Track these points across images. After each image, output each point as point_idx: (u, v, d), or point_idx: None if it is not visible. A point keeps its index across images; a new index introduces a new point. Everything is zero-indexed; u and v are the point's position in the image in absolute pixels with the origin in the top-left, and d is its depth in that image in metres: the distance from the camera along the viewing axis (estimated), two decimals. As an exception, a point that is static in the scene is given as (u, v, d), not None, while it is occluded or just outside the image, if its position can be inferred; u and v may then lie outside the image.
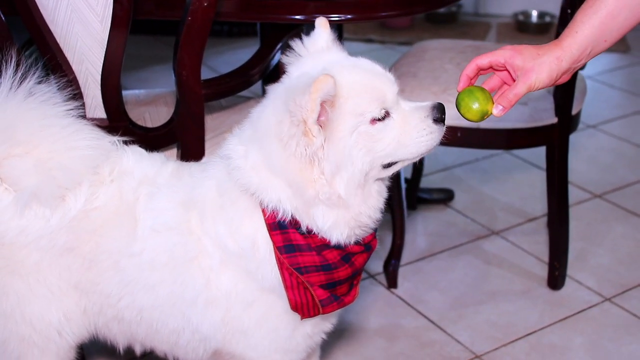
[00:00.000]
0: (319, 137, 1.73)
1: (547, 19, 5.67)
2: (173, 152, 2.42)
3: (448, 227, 3.48)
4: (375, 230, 1.95)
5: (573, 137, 3.07)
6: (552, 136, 2.90)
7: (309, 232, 1.84)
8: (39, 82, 1.94)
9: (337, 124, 1.75)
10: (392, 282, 3.07)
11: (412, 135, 1.83)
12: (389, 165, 1.85)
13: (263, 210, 1.84)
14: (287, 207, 1.81)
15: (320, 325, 2.04)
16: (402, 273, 3.13)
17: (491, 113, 1.86)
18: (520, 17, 5.72)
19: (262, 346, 1.98)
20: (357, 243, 1.90)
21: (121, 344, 2.08)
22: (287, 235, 1.84)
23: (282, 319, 1.95)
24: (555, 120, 2.87)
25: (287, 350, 2.02)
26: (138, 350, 2.10)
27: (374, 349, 2.77)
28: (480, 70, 1.91)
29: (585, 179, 3.83)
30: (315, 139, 1.72)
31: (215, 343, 1.99)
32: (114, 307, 1.98)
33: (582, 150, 4.11)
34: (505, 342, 2.80)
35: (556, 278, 3.05)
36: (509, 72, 1.88)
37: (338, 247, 1.87)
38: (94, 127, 2.00)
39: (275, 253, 1.85)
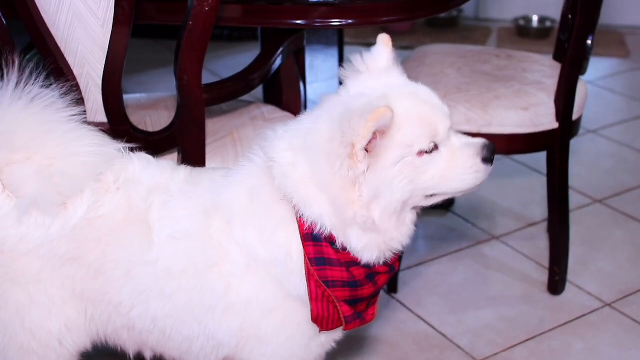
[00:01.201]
0: (363, 163, 1.73)
1: (548, 24, 5.68)
2: (174, 156, 2.42)
3: (448, 231, 3.48)
4: (402, 253, 1.95)
5: (574, 142, 3.07)
6: (552, 141, 2.90)
7: (343, 249, 1.85)
8: (42, 87, 1.92)
9: (384, 152, 1.75)
10: (392, 287, 3.07)
11: (457, 172, 1.84)
12: (430, 195, 1.86)
13: (299, 220, 1.84)
14: (327, 223, 1.82)
15: (333, 334, 2.03)
16: (402, 278, 3.13)
17: None
18: (521, 22, 5.73)
19: (277, 354, 1.97)
20: (384, 263, 1.90)
21: (131, 351, 2.06)
22: (320, 248, 1.84)
23: (301, 327, 1.94)
24: (556, 125, 2.87)
25: (300, 359, 2.01)
26: (148, 356, 2.08)
27: (374, 354, 2.77)
28: None
29: (585, 184, 3.83)
30: (359, 164, 1.73)
31: (228, 350, 1.98)
32: (125, 317, 1.96)
33: (582, 155, 4.11)
34: (505, 347, 2.80)
35: (556, 283, 3.05)
36: None
37: (366, 265, 1.87)
38: (99, 133, 1.97)
39: (306, 263, 1.85)
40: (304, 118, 1.90)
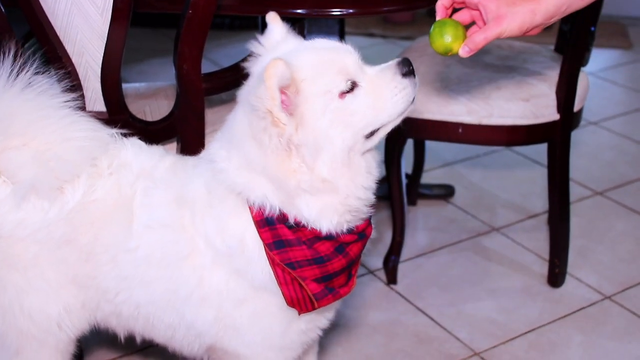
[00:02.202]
0: (289, 124, 1.71)
1: (550, 14, 5.65)
2: (173, 145, 2.41)
3: (448, 223, 3.47)
4: (370, 217, 1.92)
5: (574, 134, 3.06)
6: (553, 133, 2.88)
7: (298, 225, 1.82)
8: (37, 74, 1.93)
9: (306, 107, 1.73)
10: (391, 278, 3.06)
11: (385, 97, 1.81)
12: (371, 134, 1.82)
13: (250, 208, 1.83)
14: (274, 201, 1.80)
15: (315, 321, 2.02)
16: (402, 269, 3.12)
17: (456, 52, 1.84)
18: (523, 13, 5.70)
19: (255, 343, 1.97)
20: (349, 232, 1.87)
21: (122, 334, 2.08)
22: (276, 232, 1.82)
23: (276, 316, 1.93)
24: (557, 117, 2.86)
25: (282, 348, 2.01)
26: (138, 340, 2.09)
27: (373, 345, 2.76)
28: (455, 2, 1.89)
29: (586, 176, 3.82)
30: (285, 126, 1.71)
31: (209, 339, 1.99)
32: (112, 302, 1.98)
33: (583, 147, 4.10)
34: (505, 339, 2.80)
35: (556, 275, 3.05)
36: (480, 12, 1.85)
37: (330, 238, 1.84)
38: (92, 118, 1.99)
39: (266, 250, 1.84)
40: (227, 118, 1.92)
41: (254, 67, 1.90)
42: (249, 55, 1.93)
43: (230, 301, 1.91)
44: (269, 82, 1.66)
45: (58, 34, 2.23)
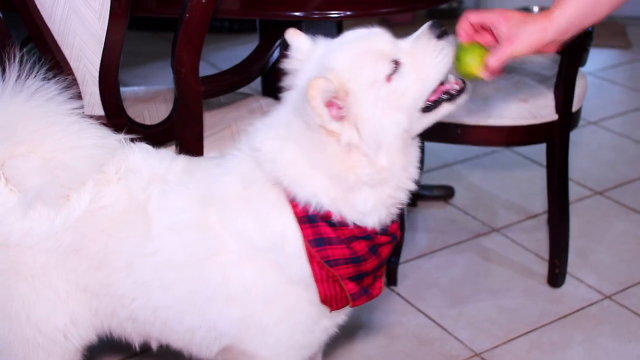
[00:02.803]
0: (344, 131, 1.74)
1: (549, 15, 5.65)
2: (172, 149, 2.42)
3: (448, 224, 3.47)
4: (398, 220, 1.96)
5: (574, 134, 3.06)
6: (552, 133, 2.89)
7: (340, 224, 1.84)
8: (42, 81, 1.92)
9: (358, 105, 1.76)
10: (391, 280, 3.06)
11: (428, 65, 1.83)
12: (427, 109, 1.85)
13: (293, 204, 1.84)
14: (323, 199, 1.82)
15: (336, 318, 2.04)
16: (402, 270, 3.12)
17: (478, 75, 1.88)
18: (522, 13, 5.71)
19: (278, 343, 1.97)
20: (384, 233, 1.90)
21: (137, 342, 2.07)
22: (318, 229, 1.84)
23: (305, 312, 1.95)
24: (555, 117, 2.86)
25: (303, 346, 2.02)
26: (154, 346, 2.08)
27: (374, 347, 2.76)
28: (473, 26, 1.92)
29: (585, 176, 3.82)
30: (342, 134, 1.74)
31: (229, 339, 1.98)
32: (128, 308, 1.96)
33: (582, 146, 4.10)
34: (505, 339, 2.80)
35: (556, 275, 3.05)
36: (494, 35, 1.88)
37: (366, 238, 1.87)
38: (99, 125, 1.98)
39: (306, 246, 1.85)
40: (279, 110, 1.91)
41: (297, 79, 1.90)
42: (284, 73, 1.95)
43: (259, 299, 1.91)
44: (313, 103, 1.69)
45: (56, 38, 2.23)
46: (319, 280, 1.88)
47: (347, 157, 1.77)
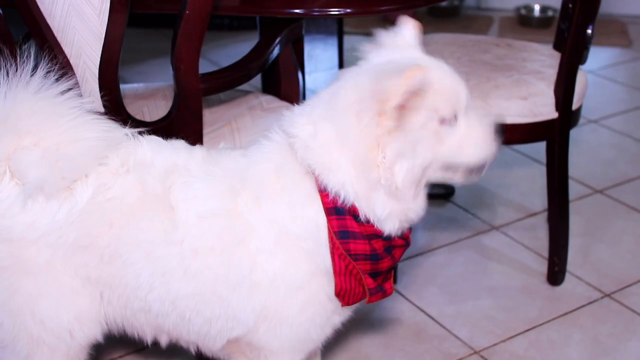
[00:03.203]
0: (392, 121, 1.77)
1: (550, 13, 5.66)
2: (171, 146, 2.41)
3: (448, 222, 3.48)
4: (410, 228, 2.00)
5: (574, 132, 3.06)
6: (552, 131, 2.88)
7: (366, 221, 1.88)
8: (47, 76, 1.92)
9: (412, 115, 1.78)
10: (391, 277, 3.06)
11: (472, 143, 1.90)
12: (445, 169, 1.91)
13: (322, 194, 1.87)
14: (350, 191, 1.85)
15: (343, 315, 2.08)
16: (401, 268, 3.12)
17: None
18: (523, 11, 5.71)
19: (293, 336, 1.99)
20: (400, 237, 1.95)
21: (149, 336, 2.06)
22: (344, 222, 1.87)
23: (323, 306, 1.97)
24: (555, 115, 2.86)
25: (312, 340, 2.04)
26: (164, 342, 2.08)
27: (372, 344, 2.76)
28: None
29: (585, 174, 3.82)
30: (388, 121, 1.76)
31: (243, 330, 1.98)
32: (142, 300, 1.95)
33: (583, 145, 4.10)
34: (504, 337, 2.80)
35: (556, 274, 3.05)
36: None
37: (386, 238, 1.91)
38: (105, 119, 1.98)
39: (330, 237, 1.88)
40: (323, 92, 1.94)
41: (372, 54, 1.95)
42: (371, 39, 1.99)
43: (283, 288, 1.92)
44: (404, 81, 1.73)
45: (55, 35, 2.23)
46: (337, 272, 1.91)
47: (375, 149, 1.80)
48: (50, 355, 1.99)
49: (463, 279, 3.11)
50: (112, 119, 2.18)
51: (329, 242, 1.89)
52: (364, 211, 1.87)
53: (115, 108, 2.30)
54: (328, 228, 1.88)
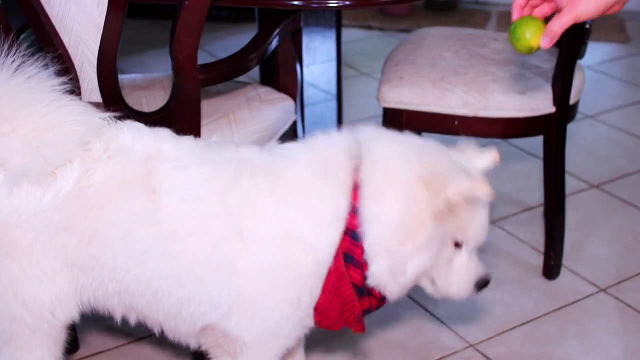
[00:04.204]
0: (442, 221, 1.88)
1: (548, 8, 5.65)
2: (169, 136, 2.41)
3: (444, 215, 3.47)
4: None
5: (571, 127, 3.06)
6: (549, 126, 2.89)
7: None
8: (25, 58, 1.92)
9: (451, 218, 1.90)
10: (387, 270, 3.06)
11: (461, 276, 2.00)
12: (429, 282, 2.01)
13: (351, 214, 1.90)
14: (371, 233, 1.89)
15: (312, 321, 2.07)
16: (398, 261, 3.12)
17: (538, 47, 1.86)
18: (521, 6, 5.70)
19: (266, 330, 1.99)
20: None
21: (118, 315, 2.06)
22: (355, 248, 1.90)
23: (301, 308, 1.97)
24: (553, 109, 2.86)
25: (284, 337, 2.03)
26: (133, 320, 2.08)
27: (368, 337, 2.77)
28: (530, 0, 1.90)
29: (582, 169, 3.83)
30: (428, 225, 1.87)
31: (216, 316, 1.97)
32: (120, 281, 1.96)
33: (579, 140, 4.11)
34: (500, 331, 2.80)
35: (551, 268, 3.05)
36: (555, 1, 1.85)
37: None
38: (81, 102, 1.99)
39: (338, 253, 1.90)
40: (406, 140, 2.01)
41: (457, 154, 2.05)
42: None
43: (267, 282, 1.92)
44: (457, 196, 1.85)
45: (54, 24, 2.23)
46: (326, 289, 1.93)
47: (420, 227, 1.86)
48: (32, 336, 2.01)
49: (459, 272, 3.11)
50: (110, 110, 2.19)
51: (334, 258, 1.90)
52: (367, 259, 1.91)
53: (113, 98, 2.30)
54: (339, 246, 1.90)
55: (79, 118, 1.93)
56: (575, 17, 1.79)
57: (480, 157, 2.08)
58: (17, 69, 1.91)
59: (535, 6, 1.91)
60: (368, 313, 2.04)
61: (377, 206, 1.88)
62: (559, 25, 1.81)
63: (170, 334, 2.07)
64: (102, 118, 1.99)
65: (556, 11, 1.89)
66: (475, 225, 1.94)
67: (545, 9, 1.91)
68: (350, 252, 1.90)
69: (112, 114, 2.01)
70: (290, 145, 2.04)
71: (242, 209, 1.90)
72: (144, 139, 1.99)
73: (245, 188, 1.92)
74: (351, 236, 1.89)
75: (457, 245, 1.95)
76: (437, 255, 1.91)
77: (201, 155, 1.97)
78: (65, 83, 1.96)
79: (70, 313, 2.03)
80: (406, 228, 1.86)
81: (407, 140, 2.00)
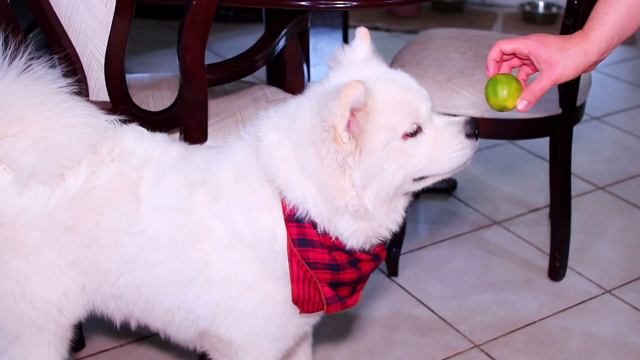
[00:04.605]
0: (348, 144, 1.72)
1: (554, 9, 5.66)
2: (175, 136, 2.42)
3: (450, 216, 3.48)
4: (385, 242, 1.95)
5: (577, 129, 3.07)
6: (556, 127, 2.89)
7: (324, 233, 1.85)
8: (33, 59, 1.93)
9: (370, 136, 1.74)
10: (392, 270, 3.07)
11: (444, 151, 1.84)
12: (420, 178, 1.86)
13: (282, 202, 1.84)
14: (311, 209, 1.82)
15: (310, 318, 2.05)
16: (403, 261, 3.13)
17: (512, 108, 1.86)
18: (527, 8, 5.71)
19: (253, 332, 1.98)
20: (365, 252, 1.90)
21: (118, 320, 2.09)
22: (303, 230, 1.84)
23: (279, 306, 1.95)
24: (559, 111, 2.86)
25: (276, 338, 2.02)
26: (133, 326, 2.10)
27: (373, 337, 2.77)
28: (504, 56, 1.90)
29: (588, 171, 3.83)
30: (345, 145, 1.72)
31: (205, 323, 1.99)
32: (113, 285, 1.99)
33: (585, 141, 4.10)
34: (505, 332, 2.81)
35: (557, 269, 3.06)
36: (532, 62, 1.86)
37: (347, 251, 1.88)
38: (89, 104, 2.00)
39: (289, 244, 1.85)
40: (292, 101, 1.91)
41: (333, 74, 1.91)
42: (329, 56, 1.96)
43: (237, 286, 1.92)
44: (343, 101, 1.68)
45: (62, 23, 2.23)
46: (294, 279, 1.89)
47: (341, 178, 1.76)
48: (39, 335, 2.03)
49: (464, 273, 3.12)
50: (117, 109, 2.20)
51: (287, 249, 1.86)
52: (325, 227, 1.84)
53: (120, 97, 2.31)
54: (287, 235, 1.85)
55: (87, 120, 1.95)
56: (555, 81, 1.83)
57: (355, 50, 1.94)
58: (25, 69, 1.91)
59: (511, 65, 1.93)
60: (363, 280, 1.97)
61: (296, 185, 1.81)
62: (539, 89, 1.84)
63: (171, 338, 2.10)
64: (108, 120, 2.00)
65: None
66: (398, 111, 1.78)
67: (515, 61, 1.93)
68: (302, 236, 1.84)
69: (118, 117, 2.02)
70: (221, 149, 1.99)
71: (199, 218, 1.91)
72: (143, 144, 2.00)
73: (196, 197, 1.92)
74: (295, 220, 1.83)
75: (413, 134, 1.79)
76: (395, 167, 1.78)
77: (181, 162, 1.98)
78: (73, 83, 1.98)
79: (77, 311, 2.05)
80: (334, 186, 1.77)
81: (275, 114, 1.89)
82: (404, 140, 1.78)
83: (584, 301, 2.96)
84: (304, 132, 1.78)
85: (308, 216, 1.83)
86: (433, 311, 2.90)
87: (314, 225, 1.84)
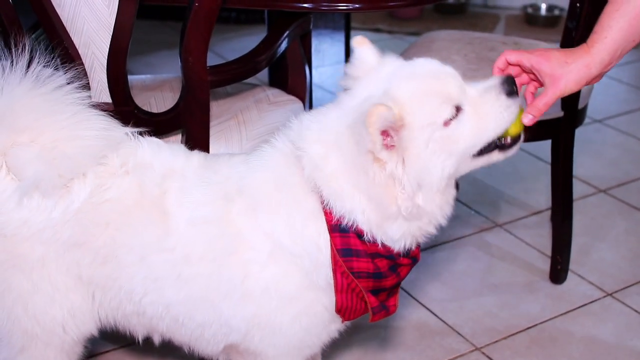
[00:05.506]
0: (390, 160, 1.73)
1: (556, 12, 5.66)
2: (177, 138, 2.42)
3: (452, 218, 3.42)
4: (419, 245, 1.95)
5: (579, 132, 3.06)
6: (557, 130, 2.89)
7: (371, 241, 1.84)
8: (48, 68, 1.91)
9: (410, 140, 1.74)
10: (394, 273, 3.06)
11: (490, 119, 1.83)
12: (478, 154, 1.86)
13: (326, 212, 1.83)
14: (359, 218, 1.81)
15: (341, 324, 2.04)
16: (405, 264, 3.12)
17: (513, 134, 1.88)
18: (529, 10, 5.71)
19: (288, 343, 1.97)
20: (406, 255, 1.90)
21: (140, 335, 2.05)
22: (347, 240, 1.84)
23: (319, 316, 1.94)
24: (561, 114, 2.86)
25: (308, 347, 2.02)
26: (157, 340, 2.07)
27: (374, 339, 2.77)
28: (509, 65, 1.92)
29: (590, 174, 3.83)
30: (387, 164, 1.73)
31: (238, 336, 1.96)
32: (136, 303, 1.94)
33: (587, 144, 4.10)
34: (506, 334, 2.81)
35: (558, 272, 3.05)
36: (535, 75, 1.88)
37: (390, 257, 1.88)
38: (105, 116, 1.95)
39: (333, 254, 1.85)
40: (329, 113, 1.88)
41: (355, 89, 1.87)
42: (343, 76, 1.92)
43: (276, 299, 1.89)
44: (370, 129, 1.68)
45: (64, 24, 2.23)
46: (338, 290, 1.88)
47: (392, 186, 1.76)
48: (44, 349, 2.00)
49: (466, 275, 3.11)
50: (119, 110, 2.19)
51: (332, 260, 1.85)
52: (373, 234, 1.83)
53: (122, 99, 2.31)
54: (331, 245, 1.84)
55: (99, 133, 1.91)
56: (559, 95, 1.85)
57: (362, 59, 1.90)
58: (40, 79, 1.88)
59: (521, 82, 1.95)
60: (399, 284, 1.98)
61: (346, 197, 1.80)
62: (543, 103, 1.86)
63: (197, 352, 2.07)
64: (124, 133, 1.96)
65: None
66: (430, 103, 1.76)
67: (524, 80, 1.95)
68: (346, 246, 1.84)
69: (133, 129, 1.98)
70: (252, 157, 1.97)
71: (237, 229, 1.88)
72: (162, 156, 1.96)
73: (232, 208, 1.89)
74: (339, 230, 1.83)
75: (453, 117, 1.78)
76: (444, 157, 1.77)
77: (207, 174, 1.95)
78: (77, 84, 1.95)
79: (84, 328, 2.01)
80: (385, 196, 1.77)
81: (314, 125, 1.87)
82: (446, 127, 1.77)
83: (585, 304, 2.96)
84: (348, 155, 1.78)
85: (354, 225, 1.82)
86: (434, 314, 2.90)
87: (358, 234, 1.83)
